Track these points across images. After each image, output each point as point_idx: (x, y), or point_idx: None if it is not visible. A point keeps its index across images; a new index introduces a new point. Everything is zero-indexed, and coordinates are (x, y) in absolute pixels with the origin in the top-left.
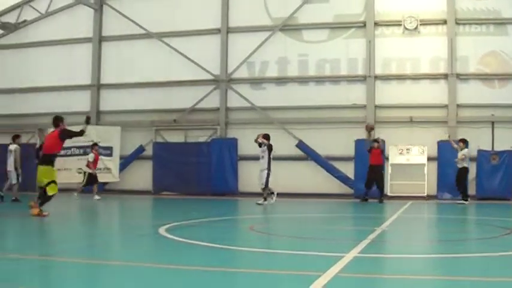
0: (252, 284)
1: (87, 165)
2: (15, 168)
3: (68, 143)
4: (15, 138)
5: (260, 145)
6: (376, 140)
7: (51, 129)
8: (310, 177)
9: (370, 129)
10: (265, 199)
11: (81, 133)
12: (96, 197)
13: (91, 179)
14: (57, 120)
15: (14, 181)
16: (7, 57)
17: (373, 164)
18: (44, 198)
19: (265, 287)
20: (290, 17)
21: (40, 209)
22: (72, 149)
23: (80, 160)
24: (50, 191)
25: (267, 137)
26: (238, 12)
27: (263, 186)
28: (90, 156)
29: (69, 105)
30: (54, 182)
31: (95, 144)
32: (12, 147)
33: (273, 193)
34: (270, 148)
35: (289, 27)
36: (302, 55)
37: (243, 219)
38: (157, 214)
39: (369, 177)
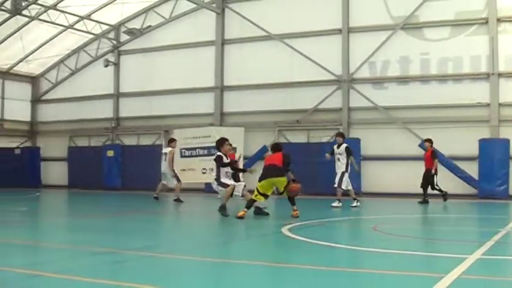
0: (375, 284)
1: None
2: (172, 170)
3: (192, 144)
4: (171, 142)
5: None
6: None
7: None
8: None
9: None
10: (355, 200)
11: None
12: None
13: None
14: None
15: (169, 182)
16: (134, 61)
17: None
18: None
19: None
20: (411, 15)
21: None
22: (197, 150)
23: (203, 161)
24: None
25: (342, 135)
26: (359, 12)
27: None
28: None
29: (193, 107)
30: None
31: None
32: (167, 150)
33: (355, 199)
34: (348, 150)
35: (410, 25)
36: (424, 54)
37: (366, 219)
38: (279, 214)
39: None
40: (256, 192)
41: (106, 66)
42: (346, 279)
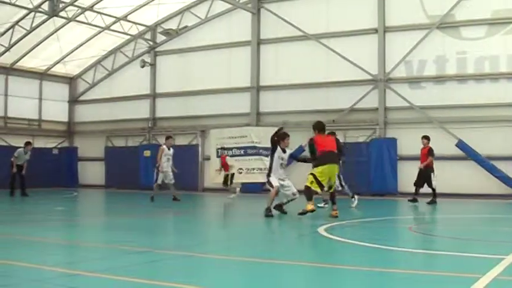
0: (411, 285)
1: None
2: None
3: (229, 144)
4: (167, 139)
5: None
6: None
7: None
8: (469, 177)
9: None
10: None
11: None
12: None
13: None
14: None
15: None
16: (170, 62)
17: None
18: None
19: None
20: (447, 14)
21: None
22: (233, 150)
23: (239, 161)
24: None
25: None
26: (395, 11)
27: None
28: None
29: (229, 107)
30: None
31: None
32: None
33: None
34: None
35: (446, 24)
36: (460, 53)
37: (402, 219)
38: (315, 214)
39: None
40: (312, 179)
41: (142, 66)
42: (381, 279)
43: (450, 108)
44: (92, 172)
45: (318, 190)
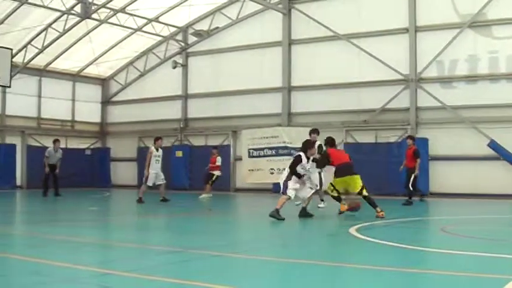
0: (442, 286)
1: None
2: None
3: (260, 144)
4: (156, 140)
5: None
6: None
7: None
8: (502, 178)
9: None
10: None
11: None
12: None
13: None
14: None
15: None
16: (201, 63)
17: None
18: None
19: None
20: (479, 13)
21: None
22: (265, 150)
23: (271, 161)
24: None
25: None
26: (426, 11)
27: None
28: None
29: (261, 108)
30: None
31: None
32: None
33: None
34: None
35: (478, 23)
36: (492, 52)
37: (434, 220)
38: (347, 214)
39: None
40: (332, 188)
41: (174, 67)
42: (413, 280)
43: (482, 108)
44: (124, 172)
45: (335, 195)
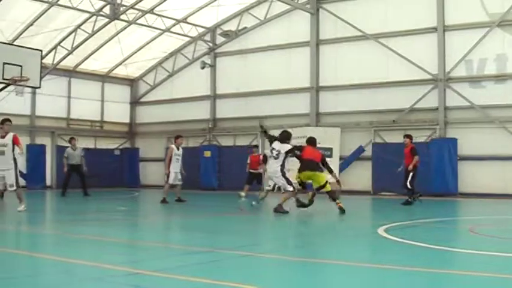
0: (471, 286)
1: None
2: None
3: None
4: (176, 138)
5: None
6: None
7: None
8: None
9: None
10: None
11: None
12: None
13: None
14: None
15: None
16: (230, 63)
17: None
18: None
19: None
20: (508, 12)
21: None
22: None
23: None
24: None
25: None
26: (454, 10)
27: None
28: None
29: (289, 108)
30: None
31: (255, 146)
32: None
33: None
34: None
35: (507, 22)
36: None
37: (462, 220)
38: (376, 214)
39: None
40: (298, 178)
41: (203, 68)
42: (441, 280)
43: (511, 108)
44: (153, 172)
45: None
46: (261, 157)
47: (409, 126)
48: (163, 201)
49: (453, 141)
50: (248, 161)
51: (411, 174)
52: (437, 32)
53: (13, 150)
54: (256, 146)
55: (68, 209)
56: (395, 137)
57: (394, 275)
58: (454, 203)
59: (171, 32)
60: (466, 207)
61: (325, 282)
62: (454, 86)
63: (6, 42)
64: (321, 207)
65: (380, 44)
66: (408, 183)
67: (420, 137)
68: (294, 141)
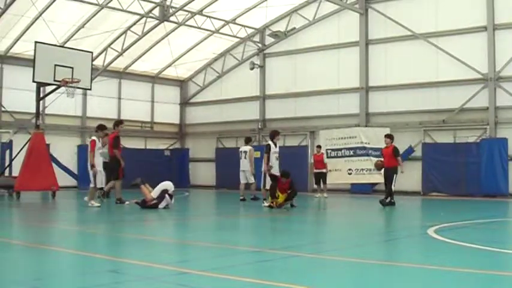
0: None
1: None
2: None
3: (338, 144)
4: (249, 141)
5: None
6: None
7: None
8: None
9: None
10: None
11: None
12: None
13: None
14: None
15: (249, 179)
16: (279, 63)
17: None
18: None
19: None
20: None
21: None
22: (343, 150)
23: (349, 162)
24: None
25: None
26: (504, 8)
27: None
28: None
29: (338, 108)
30: None
31: (318, 146)
32: (246, 148)
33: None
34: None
35: None
36: None
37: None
38: (426, 215)
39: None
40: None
41: (252, 68)
42: (492, 282)
43: None
44: (203, 173)
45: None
46: (324, 156)
47: (459, 126)
48: (255, 199)
49: (503, 141)
50: (312, 161)
51: (395, 176)
52: (487, 31)
53: None
54: (319, 146)
55: (115, 209)
56: (445, 137)
57: (444, 276)
58: (505, 203)
59: (220, 33)
60: None
61: (376, 283)
62: (505, 85)
63: (58, 44)
64: (371, 209)
65: (429, 43)
66: (393, 186)
67: (470, 137)
68: (342, 142)
